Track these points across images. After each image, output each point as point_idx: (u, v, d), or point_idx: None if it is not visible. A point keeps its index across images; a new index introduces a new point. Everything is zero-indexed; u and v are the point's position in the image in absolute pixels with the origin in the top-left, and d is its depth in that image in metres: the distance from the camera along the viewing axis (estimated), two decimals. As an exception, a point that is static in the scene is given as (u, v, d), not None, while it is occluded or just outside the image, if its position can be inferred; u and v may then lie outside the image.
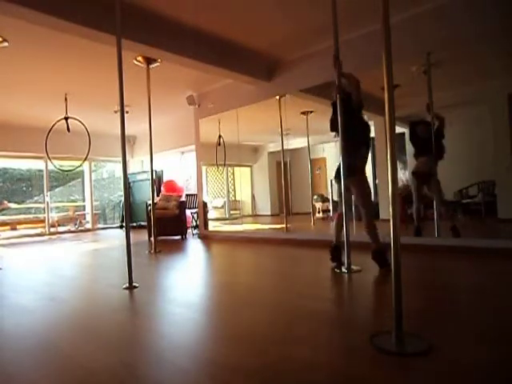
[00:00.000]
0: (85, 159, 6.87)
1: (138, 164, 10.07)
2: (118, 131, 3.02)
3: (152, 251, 4.85)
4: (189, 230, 6.94)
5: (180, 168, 9.20)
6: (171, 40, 4.08)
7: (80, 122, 6.27)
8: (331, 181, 5.96)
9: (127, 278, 2.87)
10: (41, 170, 8.85)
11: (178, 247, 5.50)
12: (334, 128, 3.30)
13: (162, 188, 7.78)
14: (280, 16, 3.82)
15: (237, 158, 6.74)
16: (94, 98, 6.27)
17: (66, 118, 6.14)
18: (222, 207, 7.97)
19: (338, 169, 3.21)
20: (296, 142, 5.90)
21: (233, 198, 7.87)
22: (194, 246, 5.61)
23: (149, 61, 4.67)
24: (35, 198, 9.88)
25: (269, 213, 7.18)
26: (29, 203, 9.88)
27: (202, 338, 1.83)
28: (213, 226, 6.87)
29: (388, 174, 1.62)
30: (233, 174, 7.94)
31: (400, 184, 4.54)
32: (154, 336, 1.85)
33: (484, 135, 4.01)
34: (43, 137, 6.36)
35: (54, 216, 9.17)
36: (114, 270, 3.79)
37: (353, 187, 3.23)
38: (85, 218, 9.74)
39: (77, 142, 7.20)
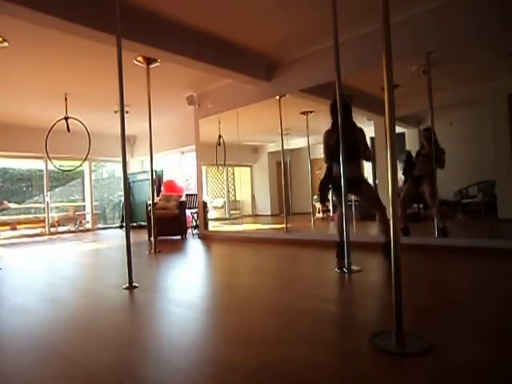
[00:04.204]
0: (85, 159, 6.88)
1: (138, 164, 10.07)
2: (118, 131, 3.02)
3: (152, 251, 4.85)
4: (189, 230, 6.94)
5: (180, 168, 9.20)
6: (171, 40, 4.08)
7: (80, 121, 6.28)
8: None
9: (127, 277, 2.87)
10: (41, 170, 8.86)
11: (178, 247, 5.50)
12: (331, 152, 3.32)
13: (162, 188, 7.79)
14: (280, 16, 3.82)
15: (237, 158, 6.74)
16: (94, 98, 6.27)
17: (66, 118, 6.14)
18: (222, 207, 7.97)
19: (328, 181, 3.27)
20: (296, 142, 5.89)
21: (233, 198, 7.86)
22: (194, 246, 5.60)
23: (149, 61, 4.67)
24: (35, 198, 9.88)
25: (269, 213, 7.18)
26: (29, 203, 9.88)
27: (202, 338, 1.83)
28: (213, 226, 6.87)
29: (388, 174, 1.62)
30: (233, 174, 7.94)
31: (400, 184, 4.54)
32: (153, 336, 1.85)
33: (484, 135, 4.01)
34: (43, 137, 6.36)
35: (54, 216, 9.18)
36: (114, 270, 3.79)
37: (362, 196, 3.31)
38: (85, 218, 9.74)
39: (77, 142, 7.20)
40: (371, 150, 3.36)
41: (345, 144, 3.04)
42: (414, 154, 4.40)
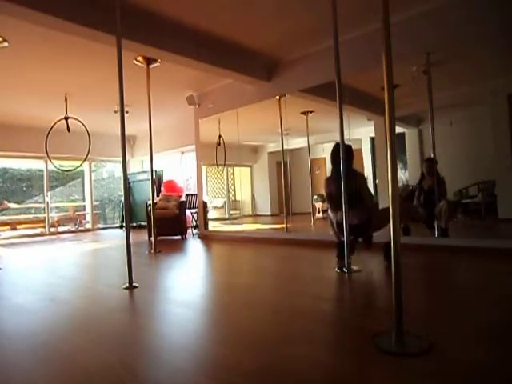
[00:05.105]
0: (85, 159, 6.87)
1: (138, 164, 10.07)
2: (118, 131, 3.02)
3: (152, 251, 4.85)
4: (189, 230, 6.94)
5: (180, 168, 9.20)
6: (171, 40, 4.08)
7: (80, 121, 6.27)
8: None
9: (127, 277, 2.87)
10: (41, 170, 8.86)
11: (178, 247, 5.50)
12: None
13: (162, 188, 7.78)
14: (280, 16, 3.81)
15: (237, 158, 6.74)
16: (94, 98, 6.27)
17: (66, 118, 6.13)
18: (222, 207, 7.96)
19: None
20: (296, 142, 5.89)
21: (233, 198, 7.86)
22: (194, 246, 5.60)
23: (149, 61, 4.67)
24: (35, 198, 9.88)
25: (269, 213, 7.18)
26: (29, 203, 9.88)
27: (202, 338, 1.83)
28: (213, 226, 6.87)
29: (388, 174, 1.61)
30: (233, 174, 7.94)
31: (400, 184, 4.54)
32: (153, 336, 1.85)
33: (484, 135, 4.01)
34: (43, 137, 6.35)
35: (54, 216, 9.17)
36: (114, 270, 3.79)
37: (377, 229, 3.30)
38: (85, 218, 9.74)
39: (77, 142, 7.19)
40: (373, 194, 3.40)
41: (346, 190, 3.02)
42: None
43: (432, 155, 4.09)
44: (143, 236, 6.77)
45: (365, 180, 3.35)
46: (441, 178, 4.04)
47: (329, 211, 3.46)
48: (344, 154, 3.06)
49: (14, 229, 9.02)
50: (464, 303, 2.12)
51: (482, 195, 4.03)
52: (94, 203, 9.61)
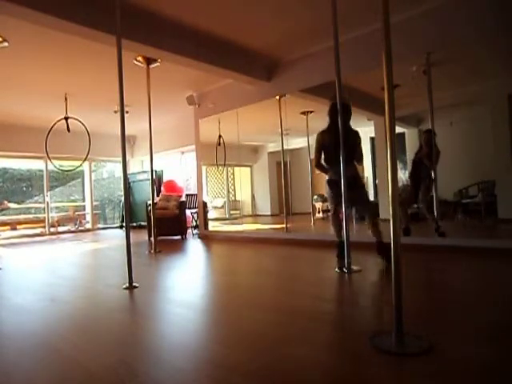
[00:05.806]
0: (85, 159, 6.87)
1: (138, 164, 10.07)
2: (118, 131, 3.02)
3: (152, 251, 4.85)
4: (189, 230, 6.94)
5: (180, 168, 9.20)
6: (171, 40, 4.08)
7: (80, 121, 6.27)
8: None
9: (127, 278, 2.87)
10: (41, 170, 8.86)
11: (178, 247, 5.50)
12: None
13: (162, 188, 7.78)
14: (280, 16, 3.81)
15: (237, 158, 6.74)
16: (94, 98, 6.27)
17: (66, 118, 6.13)
18: (222, 207, 7.97)
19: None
20: (296, 142, 5.89)
21: (233, 198, 7.86)
22: (194, 246, 5.60)
23: (149, 61, 4.67)
24: (35, 198, 9.88)
25: (269, 213, 7.18)
26: (29, 203, 9.88)
27: (202, 338, 1.83)
28: (213, 226, 6.87)
29: (388, 174, 1.62)
30: (233, 174, 7.94)
31: (400, 184, 4.54)
32: (153, 336, 1.85)
33: (484, 135, 4.01)
34: (43, 137, 6.36)
35: (54, 216, 9.17)
36: (114, 270, 3.79)
37: (359, 198, 3.32)
38: (85, 218, 9.74)
39: (77, 142, 7.20)
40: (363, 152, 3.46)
41: (344, 146, 3.05)
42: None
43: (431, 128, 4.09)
44: (143, 236, 6.77)
45: (360, 139, 3.38)
46: (437, 151, 4.02)
47: (330, 210, 3.48)
48: (342, 111, 3.09)
49: (14, 229, 9.02)
50: (464, 303, 2.12)
51: (482, 195, 4.03)
52: (94, 203, 9.60)
